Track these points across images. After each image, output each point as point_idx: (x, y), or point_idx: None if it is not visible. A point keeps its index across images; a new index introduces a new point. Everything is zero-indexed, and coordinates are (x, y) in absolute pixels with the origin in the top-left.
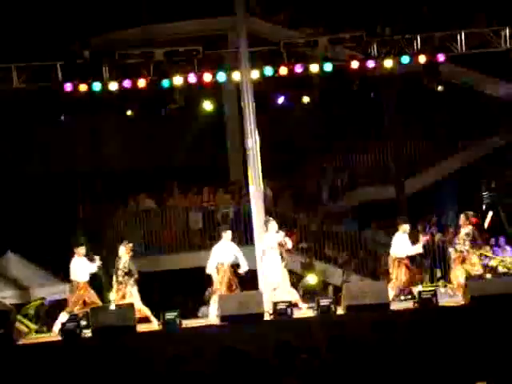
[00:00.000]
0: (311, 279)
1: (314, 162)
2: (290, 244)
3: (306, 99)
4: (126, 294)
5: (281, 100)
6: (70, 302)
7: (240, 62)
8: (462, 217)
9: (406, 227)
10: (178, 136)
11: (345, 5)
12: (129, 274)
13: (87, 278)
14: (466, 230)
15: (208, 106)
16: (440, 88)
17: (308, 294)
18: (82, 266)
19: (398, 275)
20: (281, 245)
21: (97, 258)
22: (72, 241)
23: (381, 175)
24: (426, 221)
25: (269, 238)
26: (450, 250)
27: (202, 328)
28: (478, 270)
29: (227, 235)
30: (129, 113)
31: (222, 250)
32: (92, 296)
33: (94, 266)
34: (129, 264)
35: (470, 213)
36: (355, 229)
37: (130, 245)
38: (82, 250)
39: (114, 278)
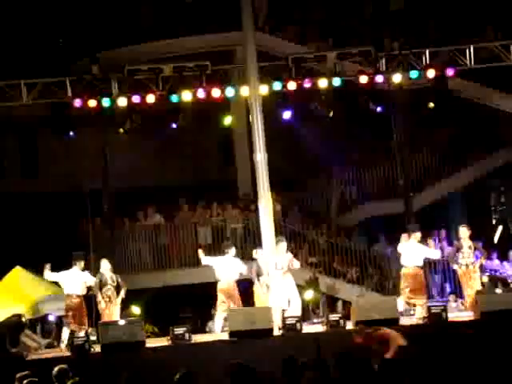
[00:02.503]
0: (308, 295)
1: (323, 177)
2: (297, 265)
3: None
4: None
5: (288, 114)
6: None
7: (248, 76)
8: (465, 230)
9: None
10: (187, 151)
11: (353, 20)
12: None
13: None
14: (468, 243)
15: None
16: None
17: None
18: (83, 280)
19: None
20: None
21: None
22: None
23: (389, 189)
24: (435, 235)
25: (278, 258)
26: (455, 266)
27: (210, 343)
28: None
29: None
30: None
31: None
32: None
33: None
34: (116, 277)
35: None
36: (364, 243)
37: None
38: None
39: (99, 295)
